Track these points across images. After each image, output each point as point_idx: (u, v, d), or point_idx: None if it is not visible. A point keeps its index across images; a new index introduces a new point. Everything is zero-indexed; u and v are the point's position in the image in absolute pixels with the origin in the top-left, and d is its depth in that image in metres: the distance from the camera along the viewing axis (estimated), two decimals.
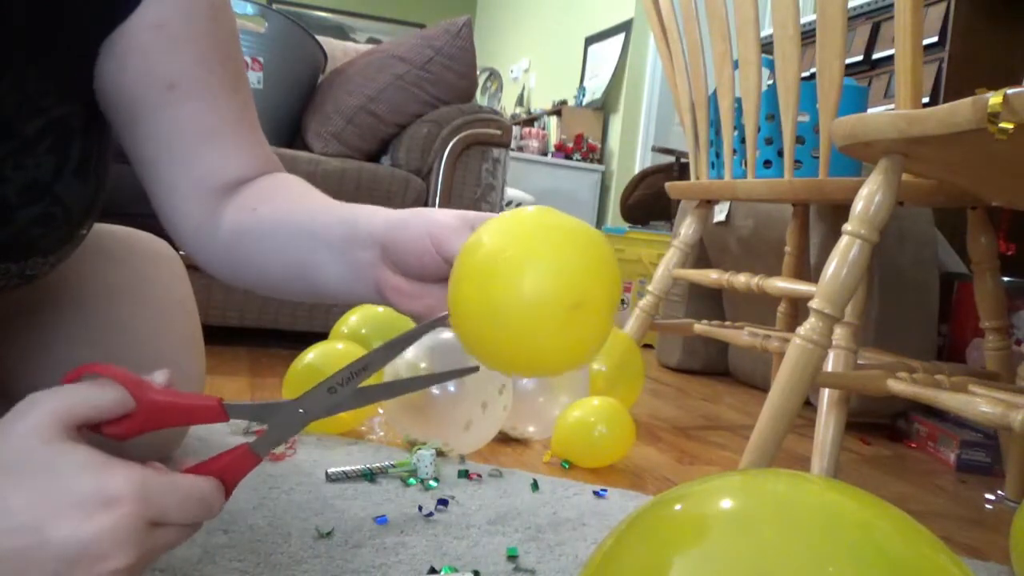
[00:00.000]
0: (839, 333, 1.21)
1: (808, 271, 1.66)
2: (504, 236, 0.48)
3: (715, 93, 1.48)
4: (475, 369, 0.55)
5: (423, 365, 1.11)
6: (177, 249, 0.84)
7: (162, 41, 0.57)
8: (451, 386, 1.10)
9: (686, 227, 1.64)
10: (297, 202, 0.62)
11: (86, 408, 0.43)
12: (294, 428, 0.50)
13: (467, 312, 0.48)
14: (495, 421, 1.15)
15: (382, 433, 1.21)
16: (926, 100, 2.22)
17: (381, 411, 1.29)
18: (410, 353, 1.12)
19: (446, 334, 1.16)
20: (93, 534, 0.39)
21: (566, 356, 0.49)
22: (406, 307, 0.56)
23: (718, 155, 1.53)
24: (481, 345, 0.49)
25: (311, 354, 1.17)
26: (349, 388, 0.50)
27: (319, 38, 2.07)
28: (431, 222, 0.53)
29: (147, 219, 0.83)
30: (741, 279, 1.45)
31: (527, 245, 0.47)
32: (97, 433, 0.45)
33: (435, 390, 1.10)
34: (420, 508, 0.90)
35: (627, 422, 1.18)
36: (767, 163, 1.43)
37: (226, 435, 1.08)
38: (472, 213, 0.54)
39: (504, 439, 1.25)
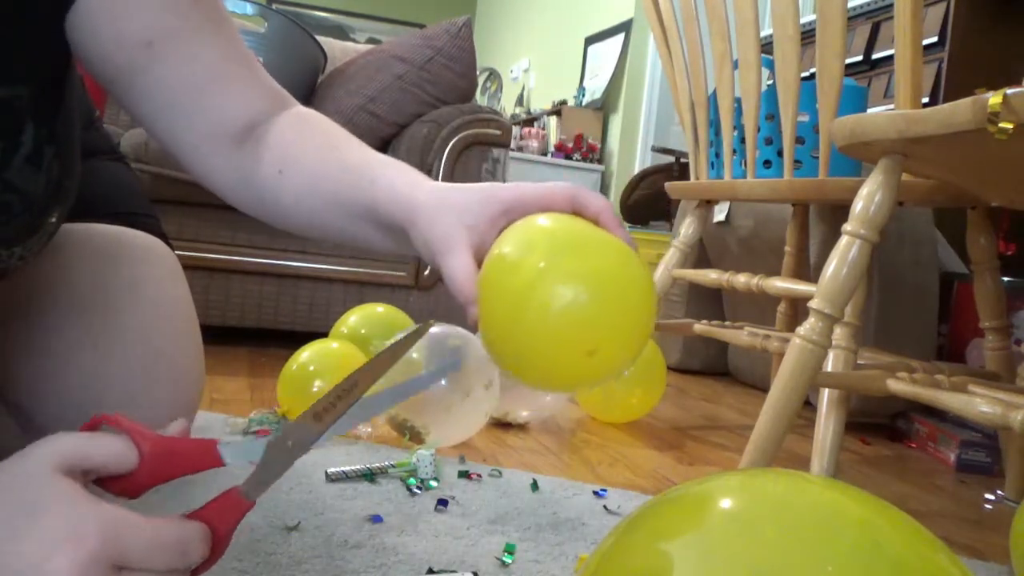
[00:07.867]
0: (839, 333, 1.21)
1: (808, 271, 1.66)
2: (522, 266, 0.48)
3: (715, 93, 1.48)
4: (456, 366, 0.56)
5: (414, 355, 1.10)
6: (172, 248, 0.84)
7: None
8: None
9: (686, 227, 1.64)
10: (325, 168, 0.62)
11: (94, 456, 0.44)
12: (284, 464, 0.48)
13: (492, 334, 0.50)
14: (478, 412, 1.14)
15: (369, 429, 1.20)
16: (926, 100, 2.22)
17: None
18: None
19: (435, 328, 1.16)
20: (53, 568, 0.39)
21: (587, 383, 0.51)
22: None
23: (718, 155, 1.53)
24: (506, 363, 0.51)
25: (304, 354, 1.16)
26: (335, 413, 0.49)
27: (319, 38, 2.07)
28: (461, 216, 0.53)
29: (142, 218, 0.82)
30: (741, 279, 1.45)
31: (545, 282, 0.47)
32: (103, 490, 0.45)
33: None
34: (420, 508, 0.90)
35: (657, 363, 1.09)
36: (767, 163, 1.43)
37: (225, 434, 1.08)
38: (501, 198, 0.54)
39: (503, 439, 1.25)
